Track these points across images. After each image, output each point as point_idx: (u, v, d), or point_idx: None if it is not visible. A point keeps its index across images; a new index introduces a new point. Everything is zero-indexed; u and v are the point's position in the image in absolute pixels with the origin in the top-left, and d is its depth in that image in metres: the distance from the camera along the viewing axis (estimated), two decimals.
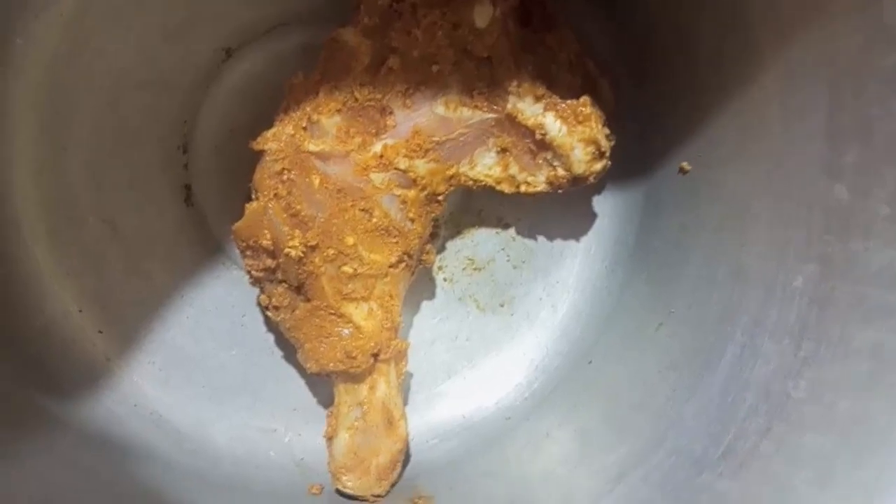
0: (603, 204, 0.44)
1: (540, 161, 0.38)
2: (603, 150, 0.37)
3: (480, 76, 0.38)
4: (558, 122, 0.37)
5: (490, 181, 0.39)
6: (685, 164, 0.38)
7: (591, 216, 0.44)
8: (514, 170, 0.39)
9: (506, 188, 0.39)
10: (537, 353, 0.44)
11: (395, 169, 0.37)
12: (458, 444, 0.42)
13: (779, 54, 0.31)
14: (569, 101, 0.37)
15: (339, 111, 0.37)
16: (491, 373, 0.44)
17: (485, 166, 0.39)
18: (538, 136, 0.37)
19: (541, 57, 0.39)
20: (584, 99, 0.37)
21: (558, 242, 0.44)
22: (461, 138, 0.38)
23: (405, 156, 0.37)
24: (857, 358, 0.27)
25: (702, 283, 0.36)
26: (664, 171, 0.40)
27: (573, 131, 0.37)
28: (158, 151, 0.40)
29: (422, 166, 0.37)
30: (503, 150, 0.39)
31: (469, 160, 0.39)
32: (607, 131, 0.38)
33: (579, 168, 0.38)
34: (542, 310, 0.45)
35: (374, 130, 0.37)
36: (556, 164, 0.38)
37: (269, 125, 0.37)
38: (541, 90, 0.38)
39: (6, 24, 0.35)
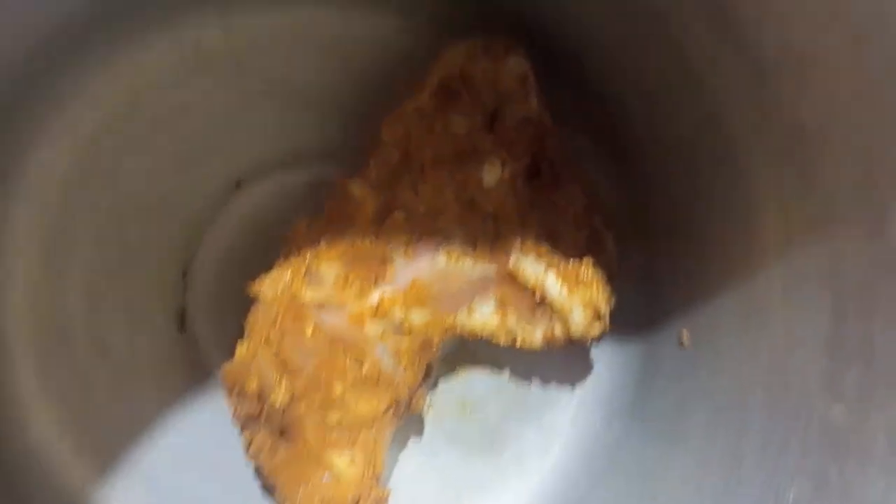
0: (601, 355, 0.43)
1: (539, 316, 0.38)
2: (602, 314, 0.37)
3: (485, 230, 0.37)
4: (559, 283, 0.37)
5: (486, 333, 0.39)
6: (685, 337, 0.38)
7: (589, 366, 0.43)
8: (511, 322, 0.38)
9: (501, 340, 0.39)
10: (526, 500, 0.43)
11: (391, 319, 0.37)
12: None
13: (783, 254, 0.31)
14: (572, 262, 0.37)
15: (339, 258, 0.37)
16: None
17: (483, 314, 0.38)
18: (538, 297, 0.37)
19: (546, 212, 0.39)
20: (587, 260, 0.37)
21: (553, 389, 0.44)
22: (460, 289, 0.38)
23: (402, 305, 0.37)
24: None
25: (698, 464, 0.35)
26: (664, 336, 0.40)
27: (573, 293, 0.37)
28: (157, 275, 0.40)
29: (418, 317, 0.37)
30: (502, 303, 0.38)
31: (467, 308, 0.38)
32: (608, 293, 0.38)
33: (577, 330, 0.37)
34: (532, 457, 0.43)
35: (373, 278, 0.37)
36: (554, 323, 0.37)
37: (270, 264, 0.37)
38: (544, 248, 0.38)
39: (19, 150, 0.36)
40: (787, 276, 0.31)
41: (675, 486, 0.36)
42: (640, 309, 0.40)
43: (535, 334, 0.38)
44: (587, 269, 0.37)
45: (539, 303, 0.37)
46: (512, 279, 0.38)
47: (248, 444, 0.37)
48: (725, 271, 0.35)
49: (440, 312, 0.38)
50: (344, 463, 0.37)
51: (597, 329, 0.37)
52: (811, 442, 0.29)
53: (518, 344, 0.38)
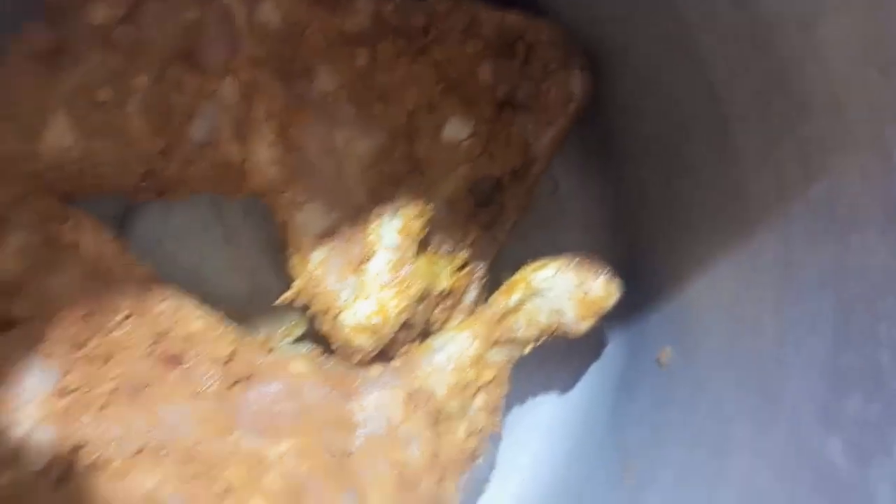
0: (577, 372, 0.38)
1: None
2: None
3: None
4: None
5: None
6: (665, 356, 0.33)
7: (562, 389, 0.38)
8: None
9: None
10: None
11: None
12: None
13: (779, 258, 0.26)
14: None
15: None
16: None
17: None
18: None
19: None
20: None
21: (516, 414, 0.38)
22: None
23: None
24: None
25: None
26: (643, 354, 0.34)
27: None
28: None
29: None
30: None
31: None
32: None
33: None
34: (492, 481, 0.38)
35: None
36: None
37: None
38: None
39: None
40: (783, 286, 0.26)
41: None
42: (619, 322, 0.35)
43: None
44: None
45: None
46: None
47: None
48: (714, 276, 0.30)
49: None
50: None
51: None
52: (803, 484, 0.24)
53: None
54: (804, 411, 0.24)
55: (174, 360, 0.30)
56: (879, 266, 0.22)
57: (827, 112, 0.23)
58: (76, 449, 0.27)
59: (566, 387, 0.38)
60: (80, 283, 0.28)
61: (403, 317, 0.31)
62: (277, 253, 0.35)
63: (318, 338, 0.35)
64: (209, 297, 0.32)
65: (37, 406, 0.27)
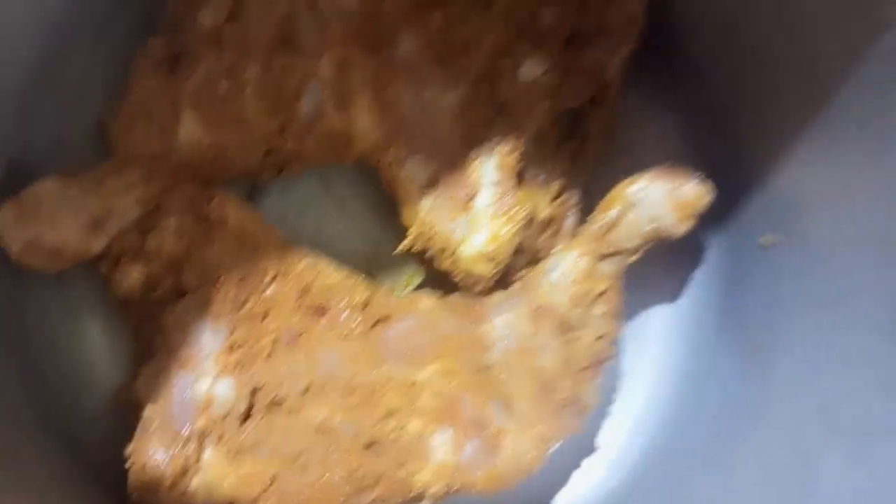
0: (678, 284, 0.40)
1: None
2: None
3: None
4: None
5: None
6: (767, 240, 0.34)
7: (668, 297, 0.40)
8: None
9: None
10: (612, 447, 0.40)
11: None
12: None
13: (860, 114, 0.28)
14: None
15: None
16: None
17: None
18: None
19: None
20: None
21: (632, 327, 0.40)
22: None
23: None
24: None
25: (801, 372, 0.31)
26: (745, 248, 0.36)
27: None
28: None
29: None
30: None
31: None
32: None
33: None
34: (615, 400, 0.40)
35: None
36: None
37: None
38: None
39: None
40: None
41: (771, 408, 0.32)
42: (715, 221, 0.37)
43: None
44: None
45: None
46: None
47: None
48: (801, 161, 0.31)
49: None
50: None
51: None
52: None
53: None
54: None
55: (320, 310, 0.33)
56: None
57: None
58: (254, 392, 0.31)
59: (677, 289, 0.40)
60: (232, 252, 0.32)
61: (516, 240, 0.34)
62: (384, 213, 0.39)
63: (436, 283, 0.38)
64: (333, 260, 0.36)
65: (214, 360, 0.31)
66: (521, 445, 0.32)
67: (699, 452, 0.36)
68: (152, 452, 0.30)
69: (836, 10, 0.27)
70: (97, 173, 0.32)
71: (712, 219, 0.36)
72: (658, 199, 0.35)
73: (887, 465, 0.26)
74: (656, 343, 0.39)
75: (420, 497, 0.32)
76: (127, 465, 0.31)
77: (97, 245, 0.31)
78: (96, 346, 0.36)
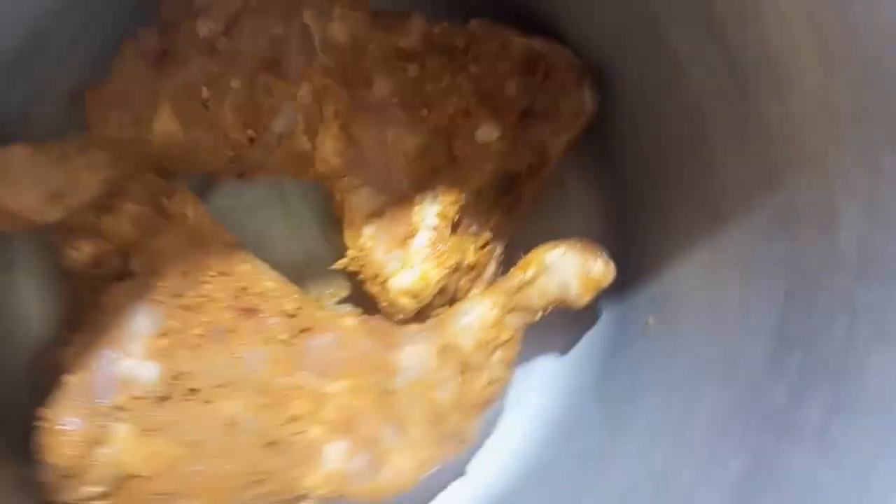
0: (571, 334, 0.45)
1: None
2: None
3: None
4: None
5: None
6: (648, 323, 0.40)
7: (556, 353, 0.45)
8: None
9: None
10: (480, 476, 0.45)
11: None
12: None
13: (743, 246, 0.33)
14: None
15: None
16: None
17: None
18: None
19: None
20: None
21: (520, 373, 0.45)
22: None
23: None
24: None
25: (649, 442, 0.37)
26: (629, 325, 0.42)
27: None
28: None
29: None
30: None
31: None
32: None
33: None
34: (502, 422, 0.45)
35: None
36: None
37: None
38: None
39: None
40: (745, 271, 0.33)
41: (626, 459, 0.38)
42: (611, 297, 0.42)
43: None
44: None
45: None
46: None
47: None
48: (690, 262, 0.37)
49: None
50: None
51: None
52: (754, 420, 0.31)
53: None
54: (757, 365, 0.31)
55: (251, 312, 0.36)
56: (816, 258, 0.29)
57: (787, 139, 0.30)
58: (175, 377, 0.34)
59: (565, 349, 0.45)
60: (181, 246, 0.35)
61: (441, 284, 0.38)
62: (326, 227, 0.42)
63: (358, 300, 0.41)
64: (269, 263, 0.39)
65: (144, 343, 0.34)
66: (403, 465, 0.36)
67: (559, 489, 0.41)
68: (67, 417, 0.33)
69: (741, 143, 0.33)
70: (66, 146, 0.34)
71: (612, 292, 0.41)
72: (569, 269, 0.40)
73: None
74: (537, 392, 0.44)
75: (304, 497, 0.35)
76: (37, 424, 0.33)
77: (54, 215, 0.33)
78: (26, 302, 0.38)
